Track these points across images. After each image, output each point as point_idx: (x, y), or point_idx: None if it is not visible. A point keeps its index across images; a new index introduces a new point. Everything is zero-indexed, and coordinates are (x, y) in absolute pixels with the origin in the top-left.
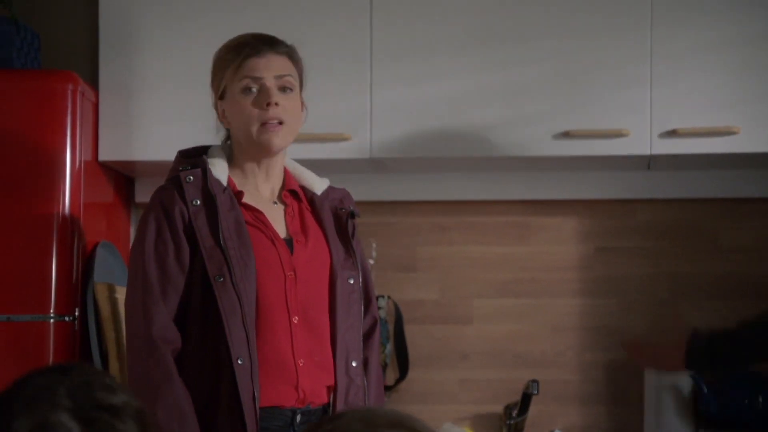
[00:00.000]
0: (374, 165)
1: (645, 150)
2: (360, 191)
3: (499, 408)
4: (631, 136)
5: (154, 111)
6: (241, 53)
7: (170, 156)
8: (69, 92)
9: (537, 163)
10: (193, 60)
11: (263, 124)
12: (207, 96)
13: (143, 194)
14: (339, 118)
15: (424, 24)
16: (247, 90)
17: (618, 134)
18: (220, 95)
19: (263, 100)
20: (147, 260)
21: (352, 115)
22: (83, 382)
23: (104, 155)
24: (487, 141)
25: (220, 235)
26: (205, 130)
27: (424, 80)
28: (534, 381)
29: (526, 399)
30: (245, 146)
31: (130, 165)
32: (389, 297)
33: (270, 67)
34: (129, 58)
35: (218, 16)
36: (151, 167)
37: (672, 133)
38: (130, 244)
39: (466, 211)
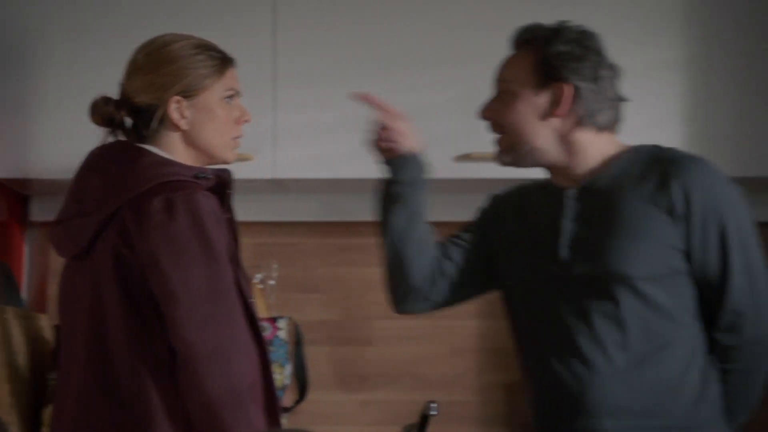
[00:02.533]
0: (276, 185)
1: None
2: (262, 212)
3: (398, 430)
4: None
5: (51, 128)
6: (222, 60)
7: (68, 174)
8: None
9: (439, 185)
10: (91, 77)
11: (236, 138)
12: None
13: (39, 213)
14: (242, 138)
15: (329, 45)
16: (229, 99)
17: None
18: (182, 92)
19: (241, 116)
20: (229, 278)
21: (255, 134)
22: None
23: None
24: None
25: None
26: None
27: (328, 101)
28: (433, 402)
29: (424, 420)
30: (200, 153)
31: (26, 183)
32: (290, 318)
33: (239, 84)
34: (25, 74)
35: (115, 35)
36: (48, 185)
37: None
38: (25, 263)
39: (369, 232)
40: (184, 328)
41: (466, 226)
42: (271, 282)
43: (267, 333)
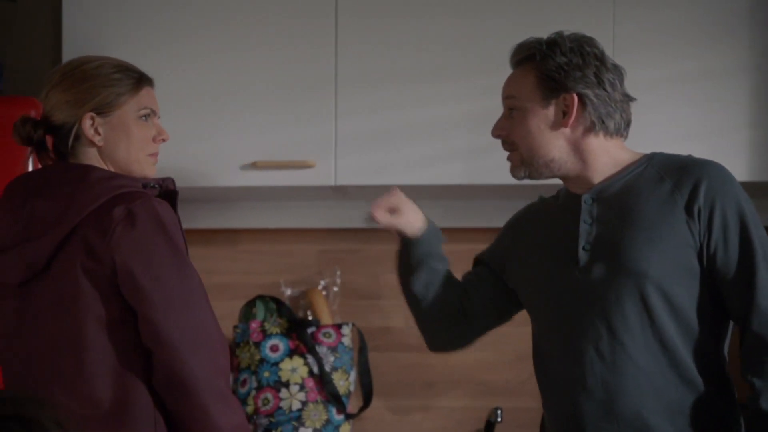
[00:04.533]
0: (338, 192)
1: None
2: (324, 218)
3: None
4: None
5: None
6: (138, 79)
7: None
8: None
9: (499, 191)
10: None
11: (152, 155)
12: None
13: None
14: (303, 145)
15: (389, 52)
16: (144, 118)
17: None
18: (96, 109)
19: (158, 135)
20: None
21: (317, 142)
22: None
23: None
24: (451, 168)
25: None
26: None
27: (388, 107)
28: (497, 409)
29: (489, 427)
30: (118, 168)
31: None
32: (353, 324)
33: (157, 104)
34: None
35: (181, 48)
36: None
37: None
38: None
39: None
40: (163, 331)
41: (480, 258)
42: (335, 289)
43: (331, 340)
